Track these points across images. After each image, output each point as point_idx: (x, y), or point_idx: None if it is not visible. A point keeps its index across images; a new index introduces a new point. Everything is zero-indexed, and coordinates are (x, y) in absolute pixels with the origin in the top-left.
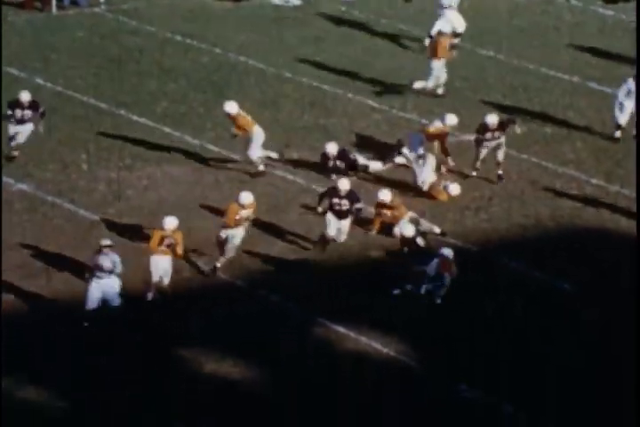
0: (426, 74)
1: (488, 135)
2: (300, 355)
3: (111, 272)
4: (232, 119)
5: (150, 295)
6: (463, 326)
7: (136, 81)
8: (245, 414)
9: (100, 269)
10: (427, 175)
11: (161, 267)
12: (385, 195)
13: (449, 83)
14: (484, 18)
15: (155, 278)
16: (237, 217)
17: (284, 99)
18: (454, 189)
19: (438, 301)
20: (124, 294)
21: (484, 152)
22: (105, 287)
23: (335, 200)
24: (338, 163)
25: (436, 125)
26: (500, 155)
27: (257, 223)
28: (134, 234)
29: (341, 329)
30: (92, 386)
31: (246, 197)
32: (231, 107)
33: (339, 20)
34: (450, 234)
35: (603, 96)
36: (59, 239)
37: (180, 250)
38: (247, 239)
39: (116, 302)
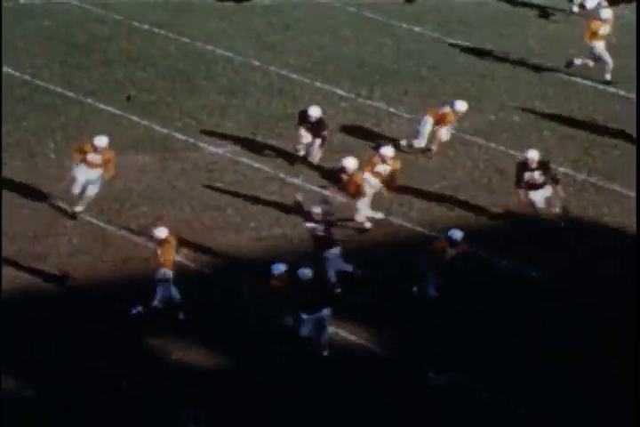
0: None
1: (527, 175)
2: (266, 343)
3: None
4: (99, 152)
5: (137, 309)
6: (431, 314)
7: (103, 70)
8: (212, 400)
9: None
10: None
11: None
12: (349, 162)
13: (416, 71)
14: (451, 6)
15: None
16: None
17: (252, 87)
18: (387, 151)
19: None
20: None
21: (536, 202)
22: None
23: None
24: (313, 126)
25: (445, 110)
26: (557, 207)
27: (223, 211)
28: (103, 222)
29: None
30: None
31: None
32: (101, 141)
33: (307, 8)
34: (417, 222)
35: (570, 85)
36: (26, 229)
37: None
38: (214, 227)
39: None
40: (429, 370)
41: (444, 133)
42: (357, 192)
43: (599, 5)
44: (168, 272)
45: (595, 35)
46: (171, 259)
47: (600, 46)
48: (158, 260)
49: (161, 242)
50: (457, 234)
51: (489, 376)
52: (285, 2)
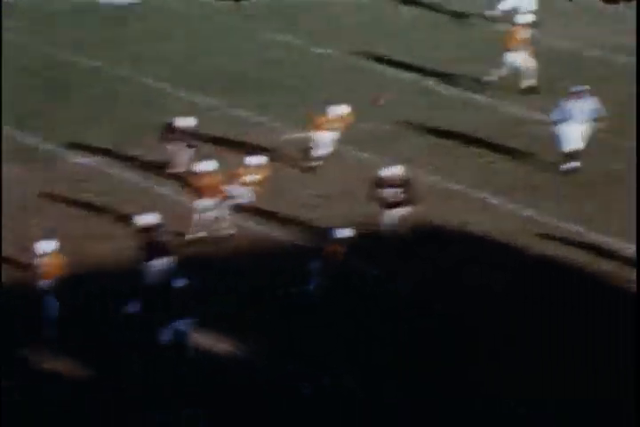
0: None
1: (387, 191)
2: (136, 351)
3: None
4: None
5: (51, 332)
6: (298, 320)
7: None
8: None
9: None
10: None
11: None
12: (201, 165)
13: (282, 80)
14: (319, 16)
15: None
16: None
17: (119, 97)
18: (254, 160)
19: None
20: None
21: (391, 220)
22: None
23: None
24: (183, 137)
25: (321, 117)
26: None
27: (90, 221)
28: None
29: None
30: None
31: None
32: None
33: (176, 18)
34: (283, 231)
35: (438, 93)
36: None
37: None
38: (81, 237)
39: None
40: (298, 376)
41: (323, 138)
42: (212, 193)
43: (516, 11)
44: (49, 283)
45: (516, 40)
46: (54, 271)
47: (514, 54)
48: (41, 271)
49: (47, 254)
50: (346, 231)
51: (359, 381)
52: (150, 11)
